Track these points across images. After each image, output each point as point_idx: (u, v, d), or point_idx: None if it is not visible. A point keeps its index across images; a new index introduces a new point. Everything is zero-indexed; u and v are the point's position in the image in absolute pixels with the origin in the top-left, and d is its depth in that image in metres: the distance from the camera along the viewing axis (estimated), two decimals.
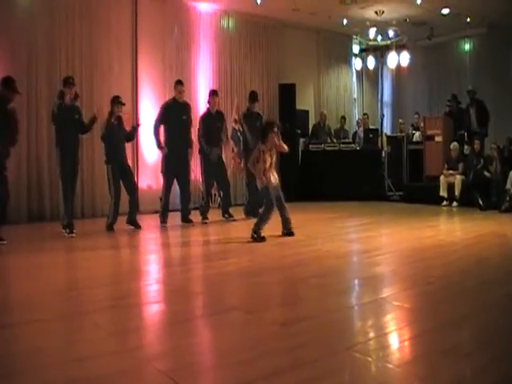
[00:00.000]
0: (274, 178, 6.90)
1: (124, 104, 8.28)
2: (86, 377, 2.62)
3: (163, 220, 8.46)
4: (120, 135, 8.15)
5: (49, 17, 9.66)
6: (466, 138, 11.98)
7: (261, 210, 6.98)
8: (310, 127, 13.78)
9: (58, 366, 2.78)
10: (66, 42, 9.88)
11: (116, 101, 8.12)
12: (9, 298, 4.27)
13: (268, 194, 6.77)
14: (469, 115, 11.94)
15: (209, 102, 9.25)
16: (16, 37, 9.26)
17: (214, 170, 9.08)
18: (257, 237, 6.63)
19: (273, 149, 6.88)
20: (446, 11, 12.00)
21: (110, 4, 10.44)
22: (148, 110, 10.54)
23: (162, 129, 8.62)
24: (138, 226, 8.22)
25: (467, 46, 14.60)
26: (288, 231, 7.06)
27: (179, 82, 8.77)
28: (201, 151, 9.10)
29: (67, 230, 7.51)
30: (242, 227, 8.68)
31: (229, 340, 3.19)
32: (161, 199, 9.78)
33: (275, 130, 6.82)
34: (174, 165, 8.47)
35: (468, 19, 12.48)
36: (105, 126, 8.03)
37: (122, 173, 8.12)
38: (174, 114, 8.50)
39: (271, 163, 6.85)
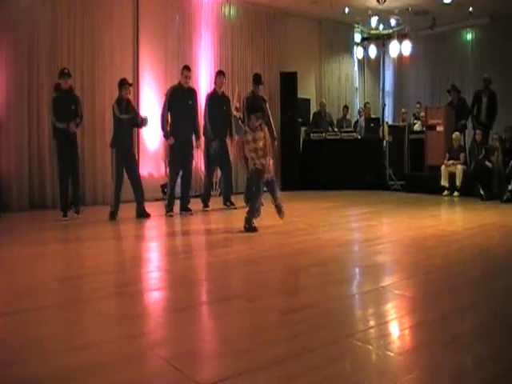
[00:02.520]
0: (259, 163, 6.66)
1: (131, 84, 8.26)
2: (89, 364, 2.64)
3: (169, 209, 8.39)
4: (127, 121, 8.06)
5: (50, 7, 9.61)
6: (468, 127, 11.99)
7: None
8: (311, 116, 13.76)
9: (62, 354, 2.79)
10: (68, 32, 9.83)
11: (122, 83, 8.07)
12: (12, 287, 4.28)
13: (256, 181, 6.70)
14: (480, 102, 11.82)
15: (215, 83, 9.26)
16: (18, 27, 9.22)
17: (216, 155, 9.06)
18: (249, 227, 6.56)
19: (258, 133, 6.67)
20: (448, 0, 11.93)
21: None
22: (150, 100, 10.53)
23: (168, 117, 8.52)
24: (147, 215, 8.12)
25: (469, 36, 14.54)
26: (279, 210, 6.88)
27: (186, 67, 8.69)
28: (205, 135, 9.04)
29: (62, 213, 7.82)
30: (243, 215, 8.69)
31: (230, 328, 3.21)
32: (162, 187, 9.80)
33: (256, 113, 6.72)
34: (179, 153, 8.40)
35: (470, 9, 12.41)
36: (116, 108, 8.01)
37: (127, 160, 8.05)
38: (179, 99, 8.40)
39: (256, 148, 6.64)
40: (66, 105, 7.90)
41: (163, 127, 8.44)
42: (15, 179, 9.20)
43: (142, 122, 8.31)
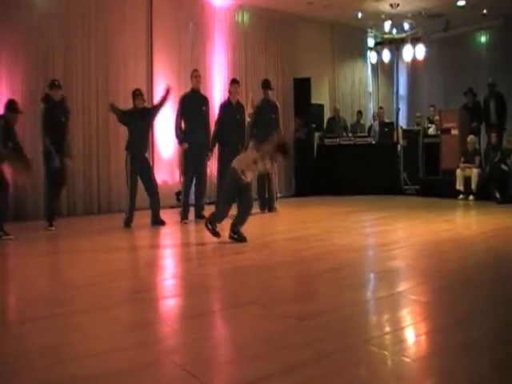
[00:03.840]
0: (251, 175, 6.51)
1: (143, 95, 8.27)
2: (105, 370, 2.65)
3: (184, 216, 8.41)
4: (142, 127, 8.08)
5: (65, 15, 9.73)
6: (482, 131, 11.93)
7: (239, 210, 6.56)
8: (325, 121, 13.75)
9: (79, 360, 2.80)
10: (82, 40, 9.94)
11: (136, 94, 8.10)
12: (28, 294, 4.31)
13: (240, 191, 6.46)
14: (488, 108, 11.85)
15: (229, 91, 9.29)
16: (33, 35, 9.34)
17: (229, 162, 9.07)
18: (237, 237, 6.35)
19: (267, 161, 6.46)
20: (461, 3, 11.91)
21: (125, 1, 10.48)
22: (163, 107, 10.56)
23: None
24: (162, 223, 8.08)
25: (483, 39, 14.46)
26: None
27: (195, 70, 8.88)
28: (218, 141, 9.06)
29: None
30: (257, 221, 8.70)
31: (245, 334, 3.21)
32: (177, 194, 9.81)
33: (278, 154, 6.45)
34: (193, 160, 8.44)
35: (484, 11, 12.37)
36: (126, 112, 8.05)
37: (141, 167, 8.04)
38: (192, 105, 8.47)
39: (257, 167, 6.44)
40: (56, 116, 7.89)
41: (177, 133, 8.50)
42: (31, 188, 9.26)
43: (159, 105, 8.31)
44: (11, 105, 7.38)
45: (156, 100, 10.27)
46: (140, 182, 8.09)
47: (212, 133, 8.97)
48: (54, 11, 9.59)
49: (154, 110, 8.35)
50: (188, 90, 8.88)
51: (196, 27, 11.53)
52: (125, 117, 8.03)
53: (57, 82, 8.01)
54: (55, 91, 7.91)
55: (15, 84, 9.19)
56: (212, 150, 8.81)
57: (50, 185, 7.90)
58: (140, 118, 8.03)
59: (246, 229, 6.38)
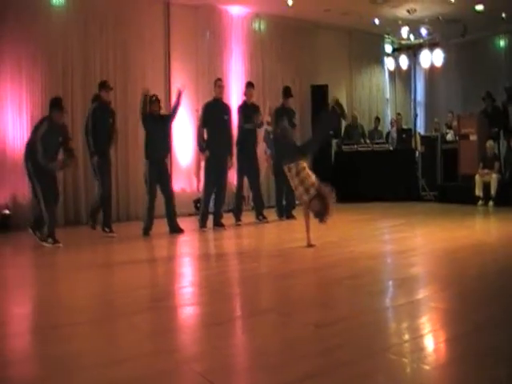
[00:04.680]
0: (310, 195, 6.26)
1: (159, 101, 8.31)
2: (126, 377, 2.68)
3: (203, 224, 8.44)
4: (160, 131, 8.09)
5: (83, 24, 9.85)
6: (501, 136, 11.83)
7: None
8: (343, 128, 13.72)
9: (98, 368, 2.83)
10: (100, 48, 10.06)
11: (152, 101, 8.13)
12: (49, 301, 4.36)
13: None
14: (506, 112, 11.77)
15: (245, 94, 9.41)
16: (52, 44, 9.47)
17: (247, 168, 9.11)
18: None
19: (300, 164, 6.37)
20: (480, 7, 11.83)
21: (143, 11, 10.57)
22: (181, 115, 10.61)
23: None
24: (180, 231, 8.12)
25: (502, 43, 14.34)
26: None
27: (218, 79, 8.99)
28: (238, 144, 9.11)
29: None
30: (275, 228, 8.71)
31: (264, 342, 3.22)
32: (195, 202, 9.84)
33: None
34: (215, 169, 8.49)
35: (503, 15, 12.28)
36: (143, 116, 8.05)
37: (160, 174, 8.08)
38: (215, 114, 8.55)
39: (302, 180, 6.29)
40: (105, 117, 7.95)
41: (199, 141, 8.56)
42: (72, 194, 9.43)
43: (175, 109, 8.34)
44: (57, 102, 7.34)
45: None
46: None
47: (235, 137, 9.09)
48: (73, 22, 9.71)
49: (170, 116, 8.40)
50: (210, 98, 9.00)
51: (213, 36, 11.60)
52: (144, 118, 8.07)
53: (107, 83, 8.04)
54: (105, 92, 7.93)
55: (35, 94, 9.30)
56: (232, 156, 8.81)
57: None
58: (157, 124, 8.08)
59: (265, 237, 6.40)
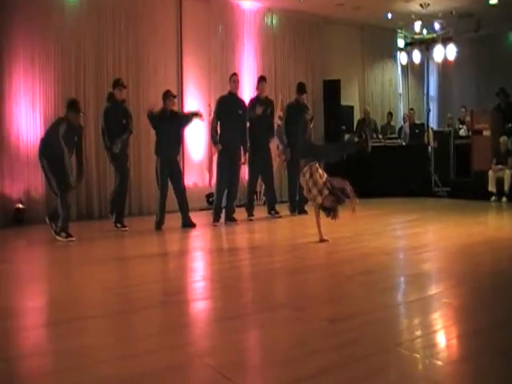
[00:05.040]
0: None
1: (175, 96, 8.34)
2: (140, 372, 2.69)
3: (216, 218, 8.43)
4: (171, 129, 8.08)
5: (96, 20, 9.88)
6: None
7: None
8: (355, 123, 13.68)
9: (112, 362, 2.85)
10: (113, 45, 10.08)
11: (167, 95, 8.16)
12: (62, 296, 4.38)
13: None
14: None
15: (257, 88, 9.35)
16: (64, 42, 9.51)
17: (260, 164, 9.09)
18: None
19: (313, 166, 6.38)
20: (493, 1, 11.73)
21: (156, 7, 10.59)
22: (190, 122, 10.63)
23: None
24: (192, 225, 8.15)
25: None
26: None
27: (234, 74, 8.99)
28: (250, 139, 9.09)
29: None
30: (287, 223, 8.71)
31: (278, 337, 3.22)
32: (207, 197, 9.84)
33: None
34: (227, 163, 8.47)
35: None
36: (155, 116, 8.04)
37: (171, 171, 8.10)
38: (229, 108, 8.51)
39: (316, 182, 6.27)
40: (117, 117, 7.98)
41: (212, 134, 8.54)
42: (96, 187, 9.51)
43: (189, 118, 8.39)
44: (74, 104, 7.42)
45: (186, 109, 10.43)
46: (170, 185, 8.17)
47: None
48: (86, 17, 9.74)
49: (183, 119, 8.40)
50: (225, 92, 9.00)
51: (225, 31, 11.60)
52: (154, 120, 8.08)
53: (121, 81, 8.04)
54: (119, 90, 7.92)
55: (48, 90, 9.36)
56: (246, 152, 8.80)
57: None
58: (169, 121, 8.06)
59: (277, 231, 6.39)
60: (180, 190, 8.20)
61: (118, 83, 8.00)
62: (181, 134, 8.83)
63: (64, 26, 9.50)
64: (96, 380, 2.64)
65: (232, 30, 11.72)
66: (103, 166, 9.71)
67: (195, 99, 11.09)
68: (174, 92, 8.66)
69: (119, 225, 8.03)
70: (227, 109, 8.51)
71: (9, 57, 8.99)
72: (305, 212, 9.24)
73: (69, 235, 7.12)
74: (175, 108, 8.49)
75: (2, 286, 4.90)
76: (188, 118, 8.44)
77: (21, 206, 8.85)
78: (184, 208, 8.21)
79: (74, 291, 4.55)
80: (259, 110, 8.91)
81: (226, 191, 8.62)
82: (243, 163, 8.85)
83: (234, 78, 8.78)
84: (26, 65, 9.14)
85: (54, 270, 5.69)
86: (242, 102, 8.92)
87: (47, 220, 7.37)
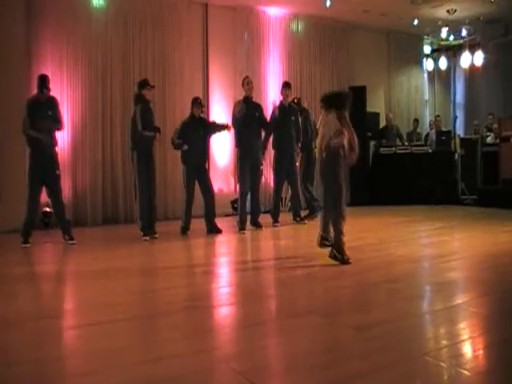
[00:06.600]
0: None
1: (203, 106, 8.41)
2: (165, 375, 2.71)
3: (242, 227, 8.28)
4: (197, 135, 8.13)
5: (122, 26, 10.02)
6: None
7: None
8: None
9: (138, 365, 2.87)
10: (139, 50, 10.19)
11: (195, 102, 8.24)
12: (89, 299, 4.43)
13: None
14: None
15: (282, 94, 9.31)
16: (91, 47, 9.67)
17: (285, 169, 9.07)
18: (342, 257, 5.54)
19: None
20: None
21: (182, 12, 10.68)
22: (219, 116, 10.69)
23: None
24: (218, 231, 8.16)
25: None
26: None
27: (246, 76, 8.95)
28: (274, 147, 9.10)
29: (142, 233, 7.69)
30: (312, 230, 8.68)
31: (304, 343, 3.21)
32: (232, 203, 9.84)
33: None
34: (247, 167, 8.38)
35: None
36: (180, 125, 8.15)
37: (198, 175, 8.14)
38: (246, 113, 8.38)
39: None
40: (150, 117, 7.95)
41: (237, 135, 8.53)
42: (90, 194, 9.55)
43: (216, 129, 8.48)
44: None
45: (212, 116, 10.47)
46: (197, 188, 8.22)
47: (271, 139, 9.09)
48: (112, 23, 9.89)
49: (210, 128, 8.45)
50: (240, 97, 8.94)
51: (251, 37, 11.65)
52: (181, 131, 8.13)
53: (148, 81, 8.04)
54: (147, 91, 7.89)
55: (75, 94, 9.50)
56: (264, 154, 8.80)
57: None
58: (196, 127, 8.12)
59: (302, 238, 6.37)
60: (208, 194, 8.21)
61: (145, 84, 7.93)
62: (207, 141, 8.86)
63: (91, 31, 9.66)
64: (122, 382, 2.66)
65: (257, 36, 11.76)
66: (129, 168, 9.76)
67: (221, 106, 11.15)
68: (200, 96, 8.71)
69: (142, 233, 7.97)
70: (243, 113, 8.35)
71: (37, 61, 9.18)
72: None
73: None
74: (203, 115, 8.53)
75: (33, 287, 4.98)
76: (216, 128, 8.51)
77: (48, 209, 8.95)
78: (210, 214, 8.22)
79: (100, 294, 4.58)
80: (280, 116, 8.92)
81: (249, 197, 8.60)
82: (262, 164, 8.83)
83: (247, 81, 8.64)
84: (55, 70, 9.29)
85: (80, 272, 5.72)
86: (258, 105, 8.80)
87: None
